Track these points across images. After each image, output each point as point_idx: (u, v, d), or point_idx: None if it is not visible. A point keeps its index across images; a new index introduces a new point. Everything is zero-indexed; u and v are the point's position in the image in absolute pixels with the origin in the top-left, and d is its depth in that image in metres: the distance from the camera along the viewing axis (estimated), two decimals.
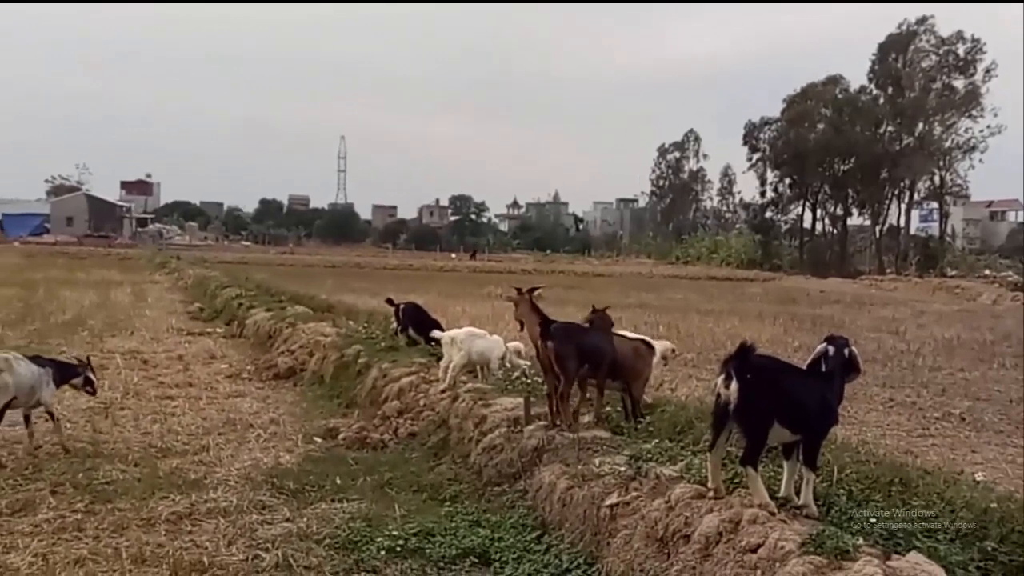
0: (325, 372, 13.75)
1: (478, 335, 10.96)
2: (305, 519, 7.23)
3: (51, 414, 9.27)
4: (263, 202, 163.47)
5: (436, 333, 12.17)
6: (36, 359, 9.25)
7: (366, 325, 16.17)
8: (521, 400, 8.87)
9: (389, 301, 15.13)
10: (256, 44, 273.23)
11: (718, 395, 5.62)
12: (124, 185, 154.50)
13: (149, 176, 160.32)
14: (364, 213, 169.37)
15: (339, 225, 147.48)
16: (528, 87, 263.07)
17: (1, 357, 8.70)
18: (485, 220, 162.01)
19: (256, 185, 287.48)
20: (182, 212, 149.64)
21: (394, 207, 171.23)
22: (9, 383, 8.56)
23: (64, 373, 9.44)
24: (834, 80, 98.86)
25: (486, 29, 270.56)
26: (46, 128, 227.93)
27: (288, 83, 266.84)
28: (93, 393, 9.90)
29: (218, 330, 20.99)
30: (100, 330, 19.26)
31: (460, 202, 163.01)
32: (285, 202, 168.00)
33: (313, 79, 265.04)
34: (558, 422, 8.10)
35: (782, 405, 5.54)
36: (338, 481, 8.33)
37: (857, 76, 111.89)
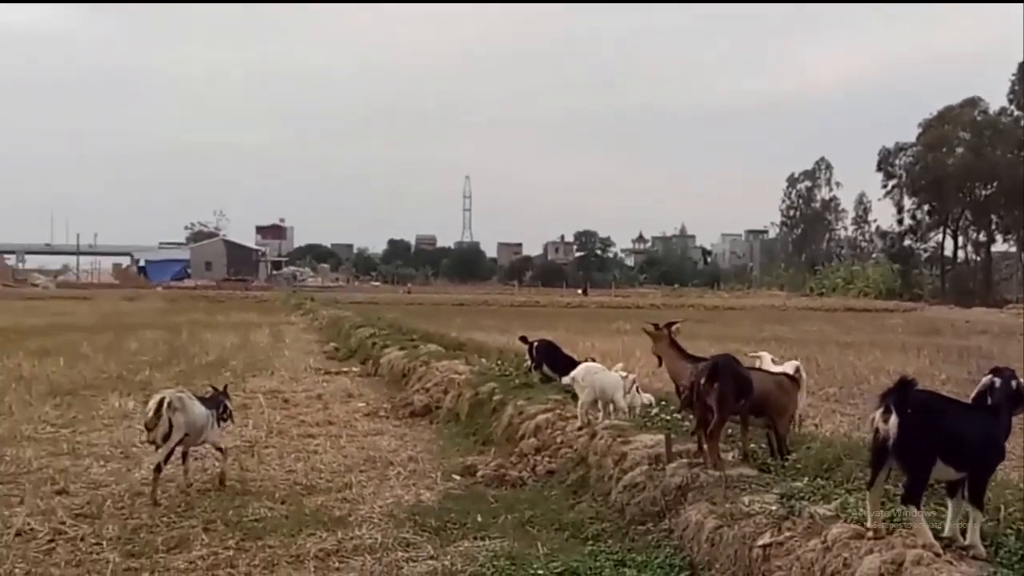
0: (460, 409, 13.83)
1: (596, 370, 10.86)
2: (449, 557, 7.23)
3: (220, 449, 9.60)
4: (391, 243, 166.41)
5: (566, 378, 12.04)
6: (203, 399, 9.53)
7: (499, 362, 16.23)
8: (661, 437, 8.76)
9: (523, 339, 15.15)
10: (378, 89, 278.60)
11: (876, 430, 5.44)
12: (259, 230, 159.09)
13: (283, 220, 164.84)
14: (490, 251, 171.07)
15: (465, 263, 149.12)
16: (652, 118, 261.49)
17: (175, 396, 8.95)
18: (611, 255, 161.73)
19: (384, 226, 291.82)
20: (314, 254, 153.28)
21: (519, 244, 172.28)
22: (182, 422, 8.83)
23: (218, 409, 9.68)
24: (972, 102, 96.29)
25: (608, 63, 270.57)
26: (185, 177, 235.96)
27: (413, 125, 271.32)
28: (227, 420, 10.03)
29: (354, 369, 21.35)
30: (242, 371, 19.75)
31: (585, 238, 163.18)
32: (412, 242, 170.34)
33: (438, 120, 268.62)
34: (703, 459, 7.96)
35: (945, 441, 5.34)
36: (479, 519, 8.33)
37: (996, 98, 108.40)
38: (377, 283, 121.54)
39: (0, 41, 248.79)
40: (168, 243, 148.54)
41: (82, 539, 7.57)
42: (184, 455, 9.36)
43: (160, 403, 8.82)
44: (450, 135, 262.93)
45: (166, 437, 8.80)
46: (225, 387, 10.42)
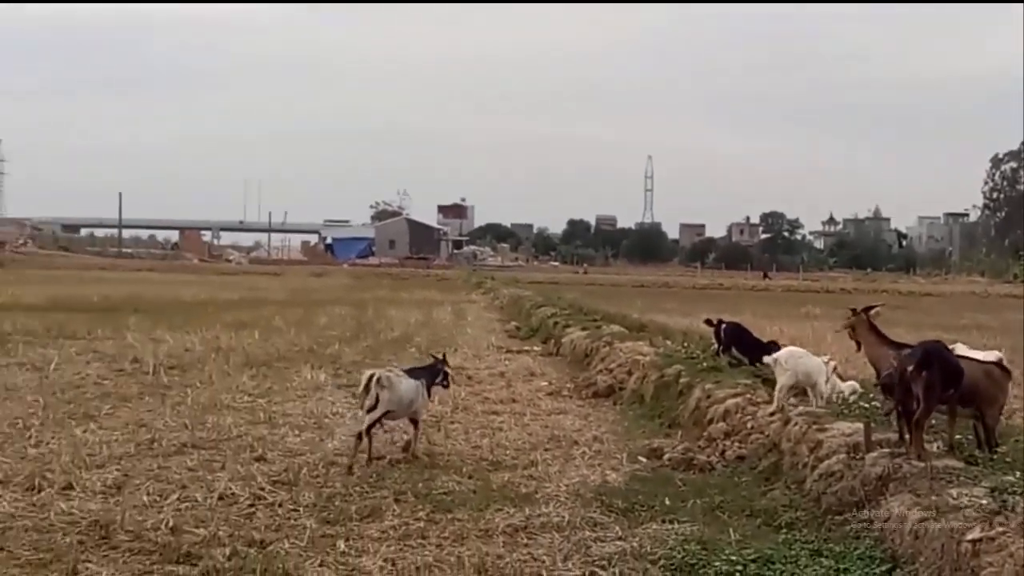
0: (645, 391, 13.69)
1: (800, 354, 10.56)
2: (637, 539, 7.14)
3: (415, 422, 9.90)
4: (571, 223, 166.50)
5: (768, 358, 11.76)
6: (411, 371, 9.99)
7: (684, 344, 16.01)
8: (859, 425, 8.44)
9: (708, 321, 14.89)
10: (560, 68, 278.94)
11: None
12: (441, 209, 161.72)
13: (463, 200, 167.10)
14: (671, 232, 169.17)
15: (646, 244, 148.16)
16: (844, 96, 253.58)
17: (384, 376, 9.43)
18: (799, 237, 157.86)
19: (564, 206, 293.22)
20: (494, 234, 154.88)
21: (702, 225, 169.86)
22: (387, 399, 9.29)
23: (432, 378, 10.19)
24: None
25: (799, 38, 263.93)
26: (370, 155, 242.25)
27: (595, 103, 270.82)
28: (447, 386, 10.69)
29: (535, 348, 21.46)
30: (426, 347, 20.03)
31: (772, 219, 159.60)
32: (592, 222, 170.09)
33: (620, 98, 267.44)
34: (906, 449, 7.63)
35: None
36: (667, 502, 8.21)
37: None
38: (556, 263, 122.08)
39: (201, 26, 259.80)
40: (333, 220, 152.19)
41: (280, 505, 7.81)
42: (413, 422, 9.83)
43: (370, 379, 9.35)
44: (634, 114, 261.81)
45: (371, 409, 9.29)
46: (444, 355, 10.94)
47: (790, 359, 10.42)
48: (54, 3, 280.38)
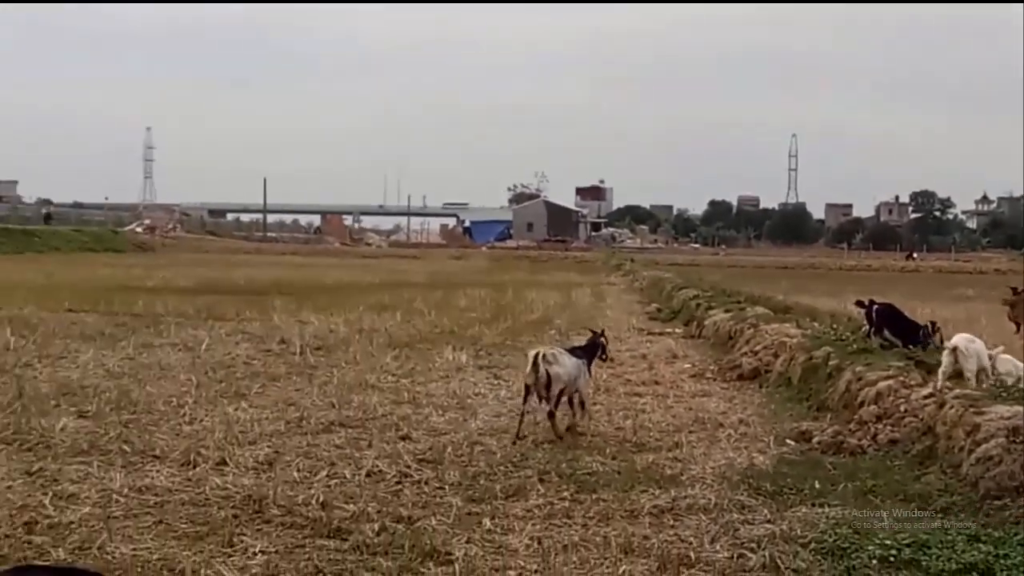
0: (792, 374, 13.39)
1: (973, 339, 10.33)
2: (787, 522, 6.99)
3: (583, 403, 10.21)
4: (712, 204, 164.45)
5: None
6: (571, 350, 10.35)
7: (832, 327, 15.60)
8: (1019, 408, 8.09)
9: (859, 303, 14.49)
10: (701, 44, 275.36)
11: None
12: (579, 191, 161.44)
13: (602, 182, 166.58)
14: (816, 212, 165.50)
15: (790, 225, 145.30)
16: (997, 69, 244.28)
17: (549, 353, 9.76)
18: (950, 217, 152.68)
19: (705, 187, 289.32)
20: (633, 216, 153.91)
21: (849, 205, 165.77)
22: (558, 373, 9.60)
23: (592, 355, 10.59)
24: None
25: (948, 10, 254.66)
26: (508, 138, 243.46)
27: (737, 81, 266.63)
28: (605, 359, 11.22)
29: (677, 330, 21.23)
30: (566, 328, 20.05)
31: (922, 198, 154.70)
32: (734, 203, 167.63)
33: (761, 75, 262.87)
34: None
35: None
36: (816, 485, 8.01)
37: None
38: (696, 245, 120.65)
39: (338, 17, 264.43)
40: (453, 203, 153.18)
41: (426, 482, 7.89)
42: (569, 401, 10.06)
43: (536, 357, 9.58)
44: (775, 89, 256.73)
45: (547, 387, 9.58)
46: (603, 331, 11.36)
47: (970, 345, 10.26)
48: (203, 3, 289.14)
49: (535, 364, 9.51)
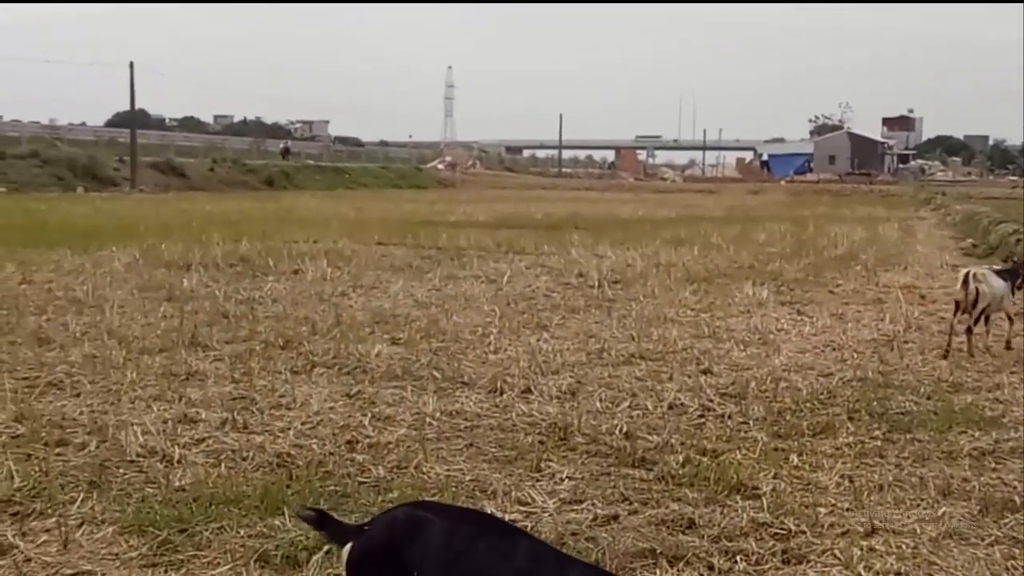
0: None
1: None
2: None
3: (1010, 318, 11.23)
4: None
5: None
6: (999, 272, 11.39)
7: None
8: None
9: None
10: None
11: None
12: (885, 122, 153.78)
13: (911, 111, 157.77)
14: None
15: None
16: None
17: (980, 272, 10.84)
18: None
19: None
20: (944, 147, 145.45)
21: None
22: (986, 292, 10.54)
23: (1014, 280, 11.29)
24: None
25: None
26: (810, 68, 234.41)
27: None
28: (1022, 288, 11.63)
29: (995, 267, 19.89)
30: (872, 265, 19.26)
31: None
32: None
33: None
34: None
35: None
36: None
37: None
38: (1015, 177, 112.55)
39: None
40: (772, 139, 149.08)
41: (729, 417, 7.78)
42: (986, 319, 10.86)
43: (967, 275, 10.63)
44: None
45: (974, 304, 10.52)
46: (1021, 261, 12.01)
47: None
48: None
49: (965, 281, 10.48)
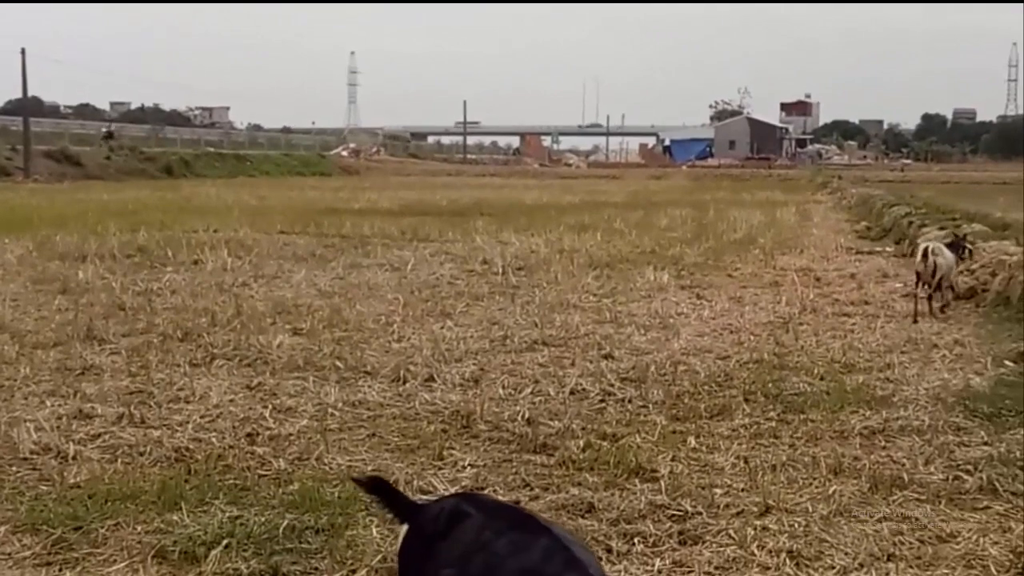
0: (1011, 293, 12.69)
1: None
2: (1005, 444, 6.69)
3: (952, 287, 12.59)
4: (925, 117, 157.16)
5: None
6: (949, 246, 12.66)
7: None
8: None
9: None
10: None
11: None
12: (784, 107, 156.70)
13: (808, 96, 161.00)
14: None
15: (1009, 139, 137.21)
16: None
17: (935, 246, 12.23)
18: None
19: (918, 100, 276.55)
20: (841, 131, 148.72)
21: None
22: (942, 264, 11.90)
23: (959, 251, 12.85)
24: None
25: None
26: (709, 54, 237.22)
27: None
28: (965, 259, 13.27)
29: (887, 249, 20.46)
30: (770, 248, 19.65)
31: None
32: (949, 117, 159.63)
33: None
34: None
35: None
36: None
37: None
38: (908, 161, 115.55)
39: None
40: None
41: (629, 401, 7.88)
42: (939, 287, 12.12)
43: (925, 250, 12.01)
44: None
45: (932, 274, 11.88)
46: (965, 235, 14.25)
47: None
48: None
49: (924, 255, 11.85)
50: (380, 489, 3.70)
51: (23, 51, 61.03)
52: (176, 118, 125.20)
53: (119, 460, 6.27)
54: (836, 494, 5.78)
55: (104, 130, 74.63)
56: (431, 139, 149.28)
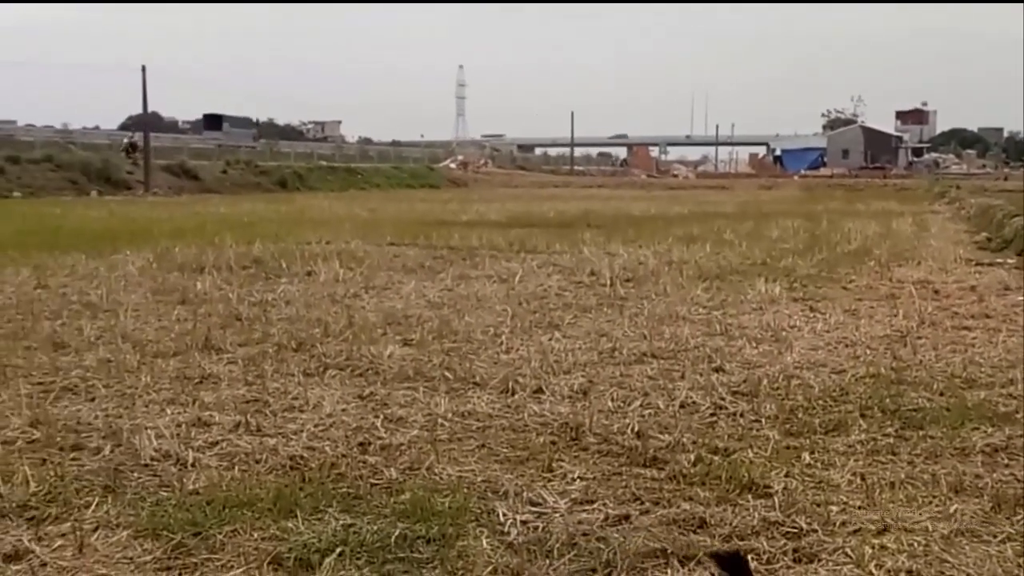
0: None
1: None
2: None
3: None
4: None
5: None
6: None
7: None
8: None
9: None
10: None
11: None
12: (899, 115, 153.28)
13: (925, 104, 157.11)
14: None
15: None
16: None
17: None
18: None
19: None
20: (959, 140, 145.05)
21: None
22: None
23: None
24: None
25: None
26: (822, 62, 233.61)
27: None
28: None
29: (1009, 260, 19.80)
30: (886, 260, 19.20)
31: None
32: None
33: None
34: None
35: None
36: None
37: None
38: None
39: None
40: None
41: (741, 415, 7.76)
42: None
43: None
44: None
45: None
46: None
47: None
48: None
49: None
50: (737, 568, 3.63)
51: (143, 68, 63.05)
52: (290, 132, 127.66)
53: (236, 467, 6.38)
54: (957, 513, 5.60)
55: (126, 140, 68.78)
56: (538, 151, 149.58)
